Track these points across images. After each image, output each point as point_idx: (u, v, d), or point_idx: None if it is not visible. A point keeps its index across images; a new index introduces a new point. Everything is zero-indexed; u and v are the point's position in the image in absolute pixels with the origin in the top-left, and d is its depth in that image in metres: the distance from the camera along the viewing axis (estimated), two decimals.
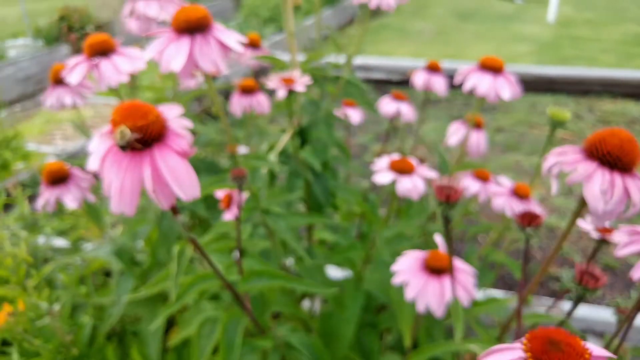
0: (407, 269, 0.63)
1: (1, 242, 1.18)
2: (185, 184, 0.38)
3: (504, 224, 0.87)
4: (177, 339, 0.86)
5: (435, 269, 0.61)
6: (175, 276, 0.58)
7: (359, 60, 0.83)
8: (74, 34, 3.56)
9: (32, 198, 1.68)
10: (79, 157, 2.22)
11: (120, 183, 0.38)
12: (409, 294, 0.61)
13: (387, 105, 1.00)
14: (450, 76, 0.97)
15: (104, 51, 0.74)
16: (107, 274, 1.43)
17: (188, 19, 0.51)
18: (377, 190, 1.28)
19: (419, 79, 1.06)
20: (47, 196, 0.89)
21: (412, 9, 6.00)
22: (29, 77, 3.42)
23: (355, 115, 1.12)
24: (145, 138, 0.37)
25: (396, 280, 0.63)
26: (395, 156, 0.69)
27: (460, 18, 5.59)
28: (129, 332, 1.25)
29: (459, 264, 0.63)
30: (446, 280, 0.61)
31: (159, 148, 0.38)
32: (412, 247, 0.92)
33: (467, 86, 0.73)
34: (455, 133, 1.02)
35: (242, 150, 1.00)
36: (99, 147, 0.52)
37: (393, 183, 0.66)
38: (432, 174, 0.68)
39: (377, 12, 6.04)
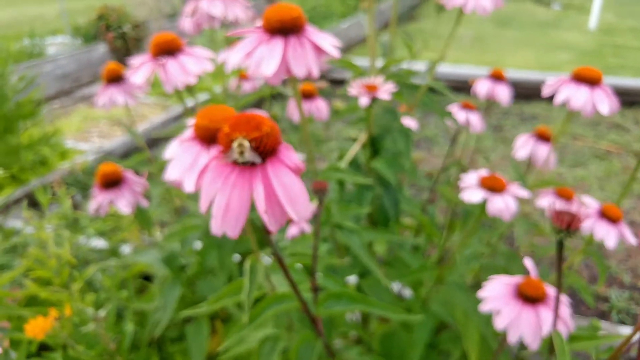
0: (497, 295, 0.57)
1: (45, 242, 1.16)
2: (299, 204, 0.34)
3: (585, 247, 0.81)
4: (232, 354, 0.82)
5: (530, 297, 0.56)
6: (249, 294, 0.53)
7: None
8: (112, 32, 3.59)
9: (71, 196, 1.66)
10: (115, 155, 2.21)
11: (226, 201, 0.33)
12: (500, 324, 0.56)
13: (456, 114, 0.94)
14: None
15: (170, 50, 0.70)
16: (146, 277, 1.40)
17: (282, 18, 0.47)
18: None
19: (482, 88, 1.01)
20: (100, 200, 0.85)
21: (448, 14, 5.91)
22: (67, 75, 3.46)
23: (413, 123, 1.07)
24: (259, 152, 0.33)
25: (485, 307, 0.58)
26: (484, 172, 0.63)
27: (498, 24, 5.48)
28: (168, 338, 1.21)
29: (554, 292, 0.58)
30: (542, 311, 0.55)
31: (272, 163, 0.34)
32: (482, 267, 0.86)
33: (559, 99, 0.68)
34: (523, 147, 0.96)
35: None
36: (182, 157, 0.48)
37: (483, 202, 0.60)
38: (524, 193, 0.62)
39: (413, 17, 5.97)
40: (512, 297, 0.57)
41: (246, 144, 0.32)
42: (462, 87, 3.16)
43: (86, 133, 2.70)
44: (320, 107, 0.94)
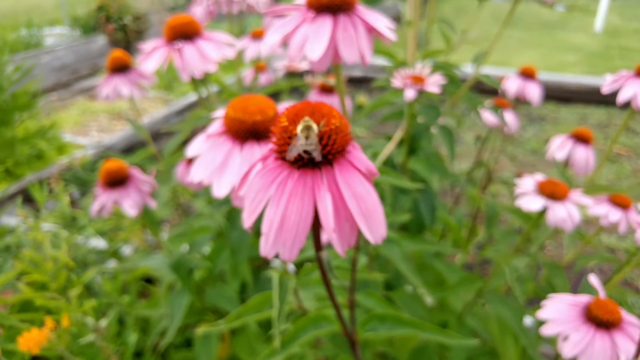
0: (563, 318, 0.50)
1: (40, 243, 1.08)
2: (374, 220, 0.26)
3: (632, 258, 0.74)
4: None
5: (604, 322, 0.49)
6: (280, 314, 0.46)
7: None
8: (112, 24, 3.49)
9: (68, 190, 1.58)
10: (115, 150, 2.13)
11: (282, 214, 0.26)
12: (569, 352, 0.49)
13: (490, 113, 0.87)
14: None
15: (187, 34, 0.63)
16: (147, 280, 1.33)
17: None
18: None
19: (512, 86, 0.95)
20: (103, 200, 0.78)
21: (453, 12, 5.84)
22: (65, 66, 3.36)
23: None
24: (325, 151, 0.26)
25: (548, 331, 0.50)
26: (540, 177, 0.56)
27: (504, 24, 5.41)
28: (172, 345, 1.14)
29: (629, 316, 0.51)
30: (619, 337, 0.48)
31: (340, 166, 0.26)
32: (519, 279, 0.79)
33: (623, 96, 0.61)
34: (561, 148, 0.89)
35: None
36: (209, 155, 0.40)
37: (542, 210, 0.53)
38: (587, 200, 0.55)
39: None
40: (582, 321, 0.50)
41: (314, 127, 0.24)
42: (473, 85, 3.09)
43: (85, 127, 2.61)
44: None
